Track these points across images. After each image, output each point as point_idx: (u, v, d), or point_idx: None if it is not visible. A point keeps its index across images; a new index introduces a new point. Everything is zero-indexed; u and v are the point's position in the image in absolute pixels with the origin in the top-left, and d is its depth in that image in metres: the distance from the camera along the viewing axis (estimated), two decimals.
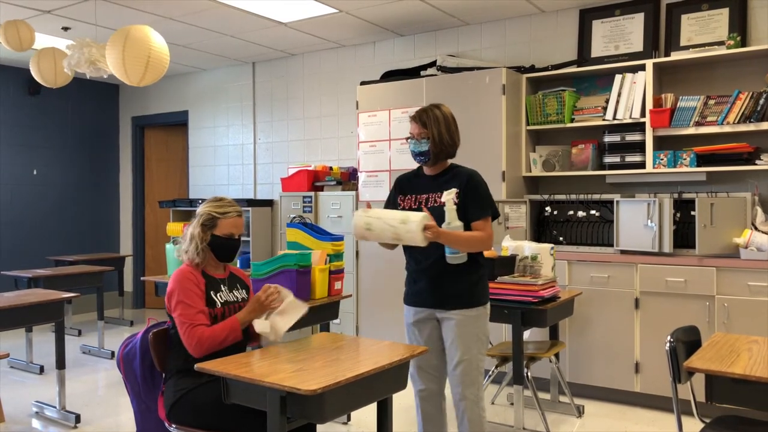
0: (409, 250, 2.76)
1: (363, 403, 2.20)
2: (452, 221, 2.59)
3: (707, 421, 2.37)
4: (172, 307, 2.44)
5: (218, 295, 2.52)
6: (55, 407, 3.82)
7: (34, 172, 6.90)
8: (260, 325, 2.42)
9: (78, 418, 3.70)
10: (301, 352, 2.41)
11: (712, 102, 3.94)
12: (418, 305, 2.78)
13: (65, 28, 5.18)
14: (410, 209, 2.74)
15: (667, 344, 2.30)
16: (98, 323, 5.53)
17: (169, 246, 4.33)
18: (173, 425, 2.41)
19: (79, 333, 6.21)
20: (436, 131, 2.69)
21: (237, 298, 2.60)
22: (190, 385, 2.38)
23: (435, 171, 2.80)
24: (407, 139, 2.77)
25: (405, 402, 4.06)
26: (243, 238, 5.92)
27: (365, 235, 2.59)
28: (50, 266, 5.97)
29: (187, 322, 2.38)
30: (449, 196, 2.59)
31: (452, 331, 2.69)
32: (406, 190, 2.83)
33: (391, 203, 2.86)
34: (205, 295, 2.48)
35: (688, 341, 2.42)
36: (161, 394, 2.49)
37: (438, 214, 2.62)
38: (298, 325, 3.38)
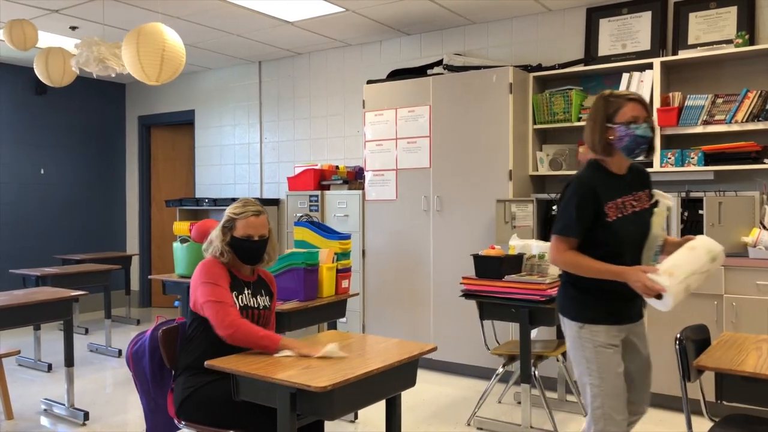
0: (622, 263, 2.26)
1: (372, 400, 2.21)
2: (663, 228, 2.36)
3: (716, 420, 2.37)
4: (197, 291, 2.41)
5: (240, 297, 2.50)
6: (63, 405, 3.84)
7: (41, 172, 6.93)
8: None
9: (86, 416, 3.72)
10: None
11: (720, 101, 3.93)
12: (631, 321, 2.38)
13: (73, 28, 5.20)
14: (620, 219, 2.29)
15: (677, 343, 2.29)
16: (105, 322, 5.54)
17: (176, 244, 4.34)
18: (182, 422, 2.42)
19: (86, 331, 6.24)
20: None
21: (258, 304, 2.58)
22: (200, 382, 2.39)
23: (623, 169, 2.36)
24: (628, 124, 2.24)
25: (412, 401, 4.06)
26: None
27: (685, 296, 2.18)
28: (57, 265, 6.00)
29: (214, 300, 2.36)
30: (669, 201, 2.35)
31: (644, 335, 2.46)
32: (606, 197, 2.28)
33: (589, 213, 2.27)
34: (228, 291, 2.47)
35: (697, 340, 2.41)
36: (170, 391, 2.50)
37: (638, 221, 2.33)
38: (303, 324, 3.41)
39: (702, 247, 2.21)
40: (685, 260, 2.17)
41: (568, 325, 2.39)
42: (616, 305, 2.31)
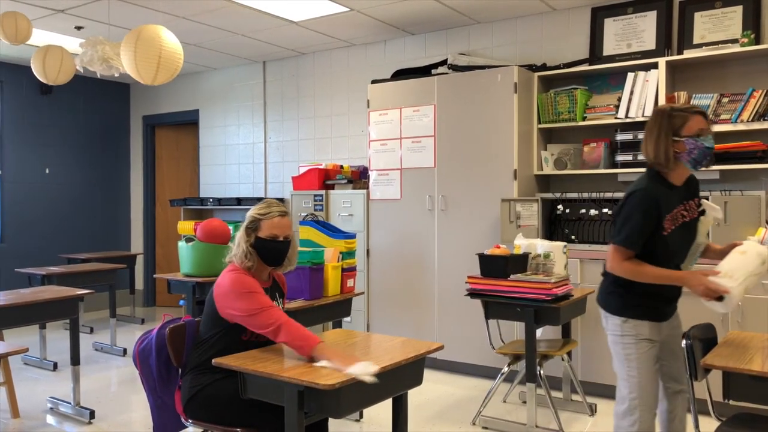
0: (672, 265, 2.41)
1: (379, 398, 2.21)
2: (707, 236, 2.48)
3: (724, 419, 2.37)
4: (232, 303, 2.35)
5: None
6: (69, 403, 3.85)
7: (47, 171, 6.95)
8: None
9: (92, 414, 3.73)
10: None
11: (725, 100, 3.93)
12: (668, 317, 2.52)
13: (78, 27, 5.22)
14: (673, 231, 2.37)
15: (684, 341, 2.29)
16: (110, 321, 5.56)
17: (181, 244, 4.35)
18: (189, 420, 2.42)
19: (91, 330, 6.25)
20: None
21: None
22: (207, 381, 2.39)
23: (682, 180, 2.43)
24: (696, 136, 2.32)
25: (417, 400, 4.07)
26: None
27: (742, 297, 2.28)
28: (62, 264, 6.01)
29: (259, 308, 2.31)
30: (718, 213, 2.48)
31: (679, 326, 2.59)
32: (666, 209, 2.36)
33: (651, 226, 2.34)
34: None
35: (704, 339, 2.41)
36: (178, 388, 2.51)
37: (686, 230, 2.42)
38: (309, 323, 3.41)
39: (752, 250, 2.29)
40: (740, 263, 2.26)
41: (610, 320, 2.49)
42: (660, 305, 2.45)
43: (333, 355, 2.15)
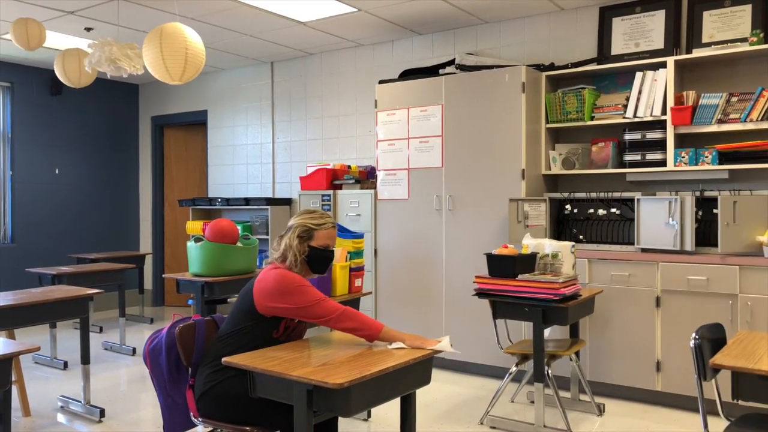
0: None
1: (388, 397, 2.22)
2: None
3: (732, 419, 2.36)
4: (290, 297, 2.38)
5: None
6: (80, 402, 3.88)
7: (56, 172, 7.00)
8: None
9: (102, 413, 3.75)
10: (324, 346, 2.43)
11: (734, 99, 3.91)
12: None
13: (88, 29, 5.26)
14: None
15: (692, 341, 2.29)
16: (120, 320, 5.59)
17: (190, 244, 4.37)
18: (200, 418, 2.44)
19: (101, 330, 6.29)
20: None
21: None
22: (221, 377, 2.40)
23: None
24: None
25: (424, 399, 4.07)
26: (262, 237, 5.98)
27: None
28: (72, 264, 6.05)
29: (318, 298, 2.40)
30: None
31: None
32: None
33: None
34: None
35: (713, 339, 2.41)
36: (189, 387, 2.52)
37: None
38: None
39: None
40: None
41: None
42: None
43: (406, 336, 2.39)
